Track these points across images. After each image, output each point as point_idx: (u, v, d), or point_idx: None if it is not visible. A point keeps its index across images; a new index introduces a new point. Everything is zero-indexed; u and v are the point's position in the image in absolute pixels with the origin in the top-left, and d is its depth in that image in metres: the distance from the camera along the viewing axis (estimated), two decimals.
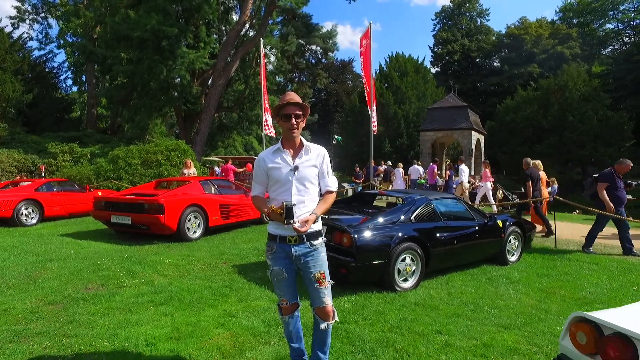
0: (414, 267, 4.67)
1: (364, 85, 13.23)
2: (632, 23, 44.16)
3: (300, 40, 23.73)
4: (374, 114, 12.75)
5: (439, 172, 14.22)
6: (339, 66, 44.41)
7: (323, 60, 25.90)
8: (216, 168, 15.54)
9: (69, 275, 4.86)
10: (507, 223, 5.88)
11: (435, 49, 53.88)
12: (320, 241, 2.52)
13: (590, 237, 6.89)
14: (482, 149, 28.82)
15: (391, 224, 4.74)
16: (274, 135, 15.45)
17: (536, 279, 5.09)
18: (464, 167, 13.35)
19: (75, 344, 3.08)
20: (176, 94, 26.15)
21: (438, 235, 4.97)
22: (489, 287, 4.72)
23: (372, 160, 13.92)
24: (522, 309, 4.03)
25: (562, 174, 30.91)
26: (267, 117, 14.88)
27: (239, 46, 25.85)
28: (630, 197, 7.95)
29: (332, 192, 2.60)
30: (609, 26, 46.58)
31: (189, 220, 6.87)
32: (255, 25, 26.45)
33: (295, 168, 2.45)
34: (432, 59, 54.41)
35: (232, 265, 5.46)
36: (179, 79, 25.78)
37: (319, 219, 2.51)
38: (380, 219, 4.74)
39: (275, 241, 2.47)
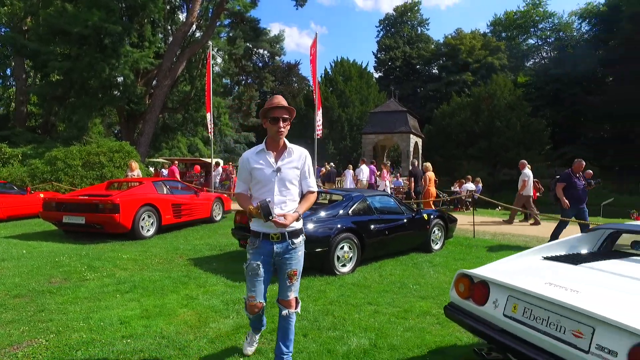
0: (351, 254, 5.42)
1: (313, 91, 13.88)
2: (548, 40, 48.88)
3: (248, 44, 24.04)
4: (318, 118, 13.41)
5: (378, 173, 15.26)
6: (285, 68, 44.99)
7: (270, 63, 26.31)
8: (163, 170, 15.52)
9: (29, 272, 5.09)
10: (432, 216, 6.83)
11: (379, 55, 56.14)
12: (300, 240, 2.63)
13: (554, 237, 6.94)
14: (420, 151, 30.66)
15: (332, 217, 5.47)
16: (211, 136, 15.17)
17: (453, 262, 6.04)
18: (364, 167, 14.50)
19: (52, 327, 3.46)
20: (118, 93, 25.42)
21: (372, 227, 5.76)
22: (414, 270, 5.58)
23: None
24: (439, 284, 4.89)
25: (491, 175, 33.67)
26: (210, 118, 14.75)
27: (186, 47, 25.66)
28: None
29: (313, 192, 2.70)
30: (531, 41, 51.17)
31: (143, 219, 7.19)
32: (203, 27, 26.39)
33: (278, 169, 2.55)
34: (375, 64, 56.62)
35: (188, 259, 5.92)
36: (122, 79, 25.10)
37: (301, 217, 2.60)
38: (322, 213, 5.45)
39: (259, 238, 2.56)
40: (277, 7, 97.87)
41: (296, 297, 2.69)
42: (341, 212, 5.65)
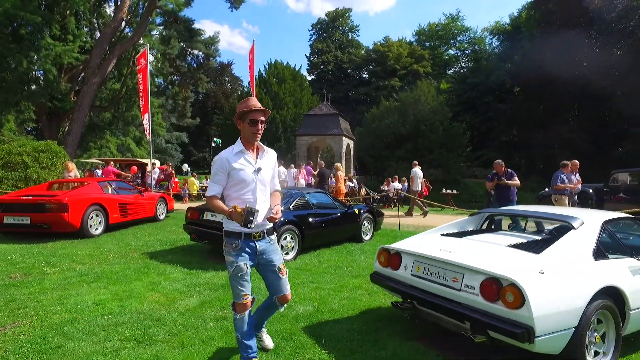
0: (293, 244, 6.22)
1: (252, 95, 14.45)
2: (466, 52, 53.44)
3: (182, 44, 23.87)
4: None
5: (314, 173, 16.22)
6: (217, 68, 44.64)
7: (204, 64, 26.30)
8: (97, 170, 15.14)
9: None
10: (362, 211, 7.83)
11: (312, 58, 57.48)
12: (274, 236, 2.78)
13: None
14: (352, 152, 32.28)
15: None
16: (150, 137, 14.94)
17: None
18: (282, 169, 15.69)
19: (30, 312, 3.85)
20: (36, 87, 23.91)
21: (310, 220, 6.60)
22: (347, 256, 6.50)
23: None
24: (368, 266, 5.84)
25: None
26: (147, 119, 14.54)
27: (115, 44, 24.77)
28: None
29: (279, 191, 2.87)
30: (451, 52, 55.50)
31: (91, 218, 7.40)
32: (134, 24, 25.63)
33: (259, 169, 2.62)
34: (308, 67, 57.86)
35: (141, 253, 6.35)
36: (43, 73, 23.68)
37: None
38: None
39: (240, 238, 2.57)
40: (209, 4, 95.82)
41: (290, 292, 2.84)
42: (283, 207, 6.43)
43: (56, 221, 6.88)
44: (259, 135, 2.61)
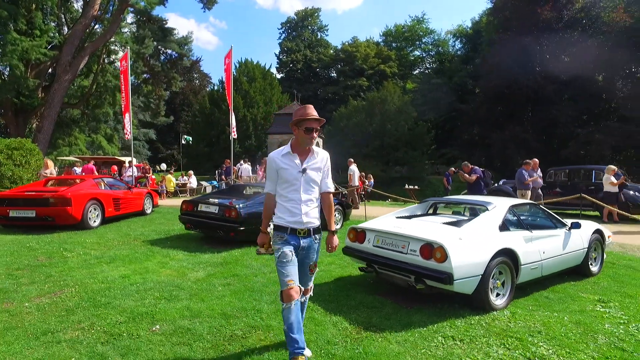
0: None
1: (227, 97, 15.08)
2: (430, 53, 55.71)
3: (155, 43, 24.24)
4: (233, 122, 14.63)
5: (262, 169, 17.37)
6: (187, 65, 44.70)
7: (179, 64, 26.73)
8: (75, 168, 15.56)
9: (11, 254, 6.02)
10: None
11: (281, 57, 58.29)
12: (320, 235, 2.95)
13: None
14: None
15: (261, 203, 7.22)
16: (129, 137, 15.24)
17: None
18: (246, 166, 16.88)
19: (70, 282, 4.74)
20: (0, 83, 23.64)
21: None
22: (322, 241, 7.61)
23: (228, 160, 16.20)
24: (338, 249, 6.97)
25: (383, 172, 37.89)
26: (127, 119, 14.94)
27: (86, 41, 24.80)
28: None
29: (330, 192, 2.99)
30: (417, 53, 57.65)
31: (90, 211, 8.18)
32: (105, 22, 25.72)
33: (304, 170, 2.77)
34: (277, 66, 58.66)
35: (142, 241, 7.24)
36: (9, 68, 23.48)
37: (319, 214, 2.93)
38: (254, 200, 7.22)
39: (286, 232, 2.80)
40: None
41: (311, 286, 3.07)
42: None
43: (60, 214, 7.64)
44: (313, 142, 2.82)
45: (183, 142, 37.80)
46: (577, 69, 31.16)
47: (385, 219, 4.96)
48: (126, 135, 14.54)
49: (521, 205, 4.89)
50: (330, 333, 3.43)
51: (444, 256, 3.68)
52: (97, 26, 26.78)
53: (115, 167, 17.79)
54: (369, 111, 39.69)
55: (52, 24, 27.49)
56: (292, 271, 2.74)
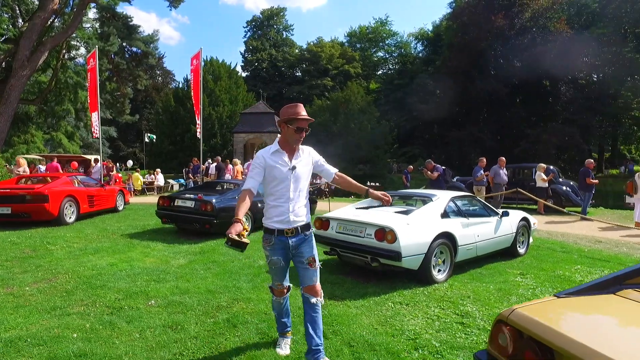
0: (248, 223, 7.90)
1: (192, 98, 15.34)
2: (393, 55, 57.38)
3: (119, 40, 23.98)
4: (199, 121, 14.87)
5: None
6: (152, 63, 43.95)
7: (144, 62, 26.51)
8: (40, 166, 15.40)
9: None
10: None
11: (246, 55, 58.23)
12: (310, 232, 2.89)
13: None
14: None
15: (233, 198, 7.86)
16: (97, 135, 15.18)
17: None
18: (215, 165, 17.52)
19: (61, 270, 5.18)
20: None
21: (259, 205, 8.26)
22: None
23: (196, 159, 16.57)
24: None
25: (347, 170, 38.94)
26: (94, 117, 14.91)
27: (45, 36, 24.11)
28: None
29: (337, 172, 3.05)
30: (380, 54, 59.18)
31: (66, 207, 8.47)
32: (65, 16, 25.09)
33: (293, 168, 2.77)
34: (242, 64, 58.54)
35: (120, 235, 7.65)
36: None
37: (308, 211, 2.90)
38: (227, 195, 7.82)
39: (274, 234, 2.76)
40: None
41: (320, 287, 2.87)
42: (239, 195, 8.08)
43: (37, 210, 7.91)
44: (301, 140, 2.83)
45: (146, 140, 37.27)
46: (527, 73, 33.39)
47: (347, 209, 5.72)
48: (94, 134, 14.60)
49: (461, 197, 5.78)
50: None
51: (394, 238, 4.47)
52: (56, 21, 26.07)
53: (76, 164, 17.66)
54: (334, 111, 40.60)
55: (5, 15, 26.50)
56: (281, 276, 2.89)
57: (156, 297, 4.20)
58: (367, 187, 3.00)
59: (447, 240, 4.93)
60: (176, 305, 3.97)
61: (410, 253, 4.53)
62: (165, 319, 3.64)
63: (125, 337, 3.25)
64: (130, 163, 29.24)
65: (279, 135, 2.94)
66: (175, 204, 7.72)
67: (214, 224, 7.23)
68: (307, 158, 2.92)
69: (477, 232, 5.41)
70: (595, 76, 34.77)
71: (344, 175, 3.09)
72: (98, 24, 27.20)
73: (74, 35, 25.61)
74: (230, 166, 16.75)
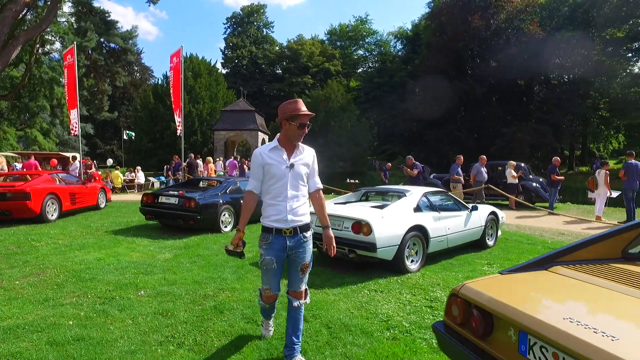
0: (230, 219, 8.13)
1: (171, 95, 15.23)
2: (373, 53, 57.99)
3: (96, 35, 23.63)
4: (179, 119, 14.78)
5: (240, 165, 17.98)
6: (131, 60, 43.30)
7: (123, 58, 26.15)
8: (16, 164, 15.17)
9: None
10: None
11: (226, 52, 57.90)
12: (309, 234, 2.84)
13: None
14: None
15: (216, 194, 8.08)
16: (76, 132, 15.05)
17: None
18: (196, 161, 17.79)
19: (49, 265, 5.32)
20: None
21: (242, 201, 8.53)
22: None
23: (177, 156, 16.62)
24: None
25: (328, 167, 39.29)
26: (73, 114, 14.76)
27: (17, 29, 23.55)
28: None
29: (320, 189, 2.97)
30: (360, 52, 59.72)
31: (49, 205, 8.52)
32: (38, 9, 24.55)
33: (291, 165, 2.70)
34: (222, 61, 58.19)
35: (104, 231, 7.77)
36: None
37: (308, 210, 2.87)
38: (210, 192, 8.03)
39: (271, 233, 2.70)
40: None
41: (306, 289, 2.88)
42: (221, 192, 8.30)
43: (19, 208, 7.95)
44: (303, 137, 2.78)
45: (125, 137, 36.75)
46: (502, 73, 34.34)
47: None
48: (73, 132, 14.50)
49: (433, 192, 6.16)
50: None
51: (369, 230, 4.80)
52: (29, 14, 25.50)
53: (56, 161, 17.48)
54: (314, 109, 40.76)
55: None
56: (272, 279, 2.79)
57: (145, 288, 4.42)
58: (328, 225, 2.97)
59: (419, 232, 5.30)
60: (165, 295, 4.20)
61: (384, 244, 4.87)
62: (155, 307, 3.87)
63: (119, 324, 3.48)
64: (110, 161, 28.83)
65: (278, 134, 2.88)
66: (159, 200, 7.88)
67: (198, 220, 7.44)
68: (307, 158, 2.85)
69: (447, 225, 5.80)
70: (566, 77, 36.00)
71: (322, 197, 3.02)
72: (74, 19, 26.71)
73: (48, 29, 25.14)
74: (205, 163, 16.87)
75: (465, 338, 2.05)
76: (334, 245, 2.93)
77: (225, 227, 8.02)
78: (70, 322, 3.47)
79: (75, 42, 16.07)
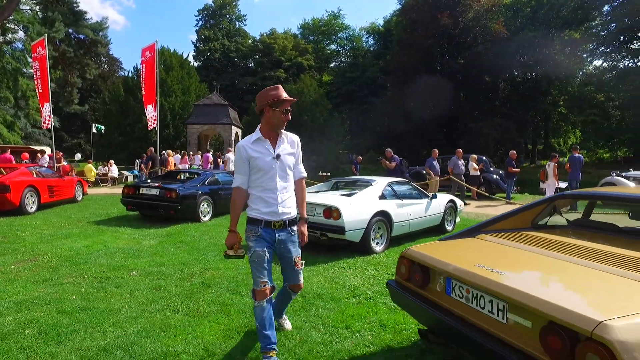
0: (209, 209, 8.57)
1: (143, 89, 15.19)
2: (345, 48, 58.67)
3: (68, 28, 23.17)
4: (151, 113, 14.84)
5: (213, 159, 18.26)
6: (101, 52, 42.32)
7: (93, 50, 25.64)
8: None
9: None
10: None
11: (198, 45, 57.22)
12: (297, 226, 2.77)
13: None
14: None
15: (195, 186, 8.50)
16: (49, 126, 14.94)
17: None
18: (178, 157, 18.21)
19: (40, 252, 5.65)
20: None
21: (220, 192, 8.98)
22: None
23: (151, 149, 16.75)
24: None
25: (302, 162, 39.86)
26: (45, 108, 14.63)
27: None
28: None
29: (304, 177, 2.88)
30: (333, 47, 60.25)
31: (27, 197, 8.69)
32: None
33: (277, 156, 2.61)
34: (194, 54, 57.48)
35: (87, 222, 8.06)
36: None
37: (295, 203, 2.79)
38: (190, 184, 8.43)
39: (260, 225, 2.62)
40: None
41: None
42: (200, 183, 8.71)
43: None
44: (285, 124, 2.68)
45: (94, 130, 35.98)
46: (469, 70, 35.70)
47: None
48: (45, 125, 14.44)
49: (397, 182, 6.82)
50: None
51: (339, 215, 5.39)
52: None
53: (27, 155, 17.27)
54: None
55: None
56: (266, 273, 2.64)
57: (136, 269, 4.86)
58: (306, 218, 2.88)
59: (383, 217, 5.93)
60: (155, 275, 4.66)
61: (352, 228, 5.47)
62: (148, 284, 4.34)
63: (118, 297, 3.94)
64: (78, 156, 28.26)
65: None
66: (140, 192, 8.22)
67: (178, 210, 7.84)
68: (292, 146, 2.77)
69: (409, 212, 6.47)
70: (529, 75, 37.73)
71: (304, 187, 2.92)
72: (40, 7, 26.07)
73: (11, 17, 24.49)
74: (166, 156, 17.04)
75: (410, 289, 2.66)
76: (305, 240, 2.85)
77: (205, 216, 8.45)
78: (74, 297, 3.90)
79: (46, 34, 15.84)
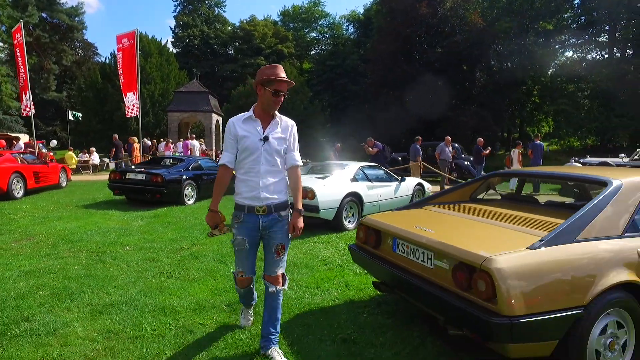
0: (193, 193, 9.03)
1: (121, 76, 15.24)
2: (325, 36, 58.81)
3: (42, 14, 22.78)
4: (132, 101, 14.94)
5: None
6: (78, 38, 41.41)
7: (69, 36, 25.19)
8: None
9: None
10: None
11: (177, 31, 56.42)
12: (287, 212, 2.59)
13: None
14: (221, 128, 34.53)
15: (180, 171, 8.94)
16: (29, 114, 14.98)
17: None
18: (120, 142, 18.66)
19: (35, 233, 6.04)
20: None
21: (203, 177, 9.43)
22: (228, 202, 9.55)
23: (134, 138, 16.93)
24: None
25: None
26: (26, 96, 14.60)
27: None
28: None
29: (298, 166, 2.67)
30: (313, 34, 60.28)
31: (14, 183, 8.97)
32: None
33: (265, 138, 2.49)
34: (173, 40, 56.69)
35: (75, 206, 8.43)
36: None
37: (285, 188, 2.63)
38: (175, 169, 8.87)
39: (244, 211, 2.52)
40: None
41: (283, 273, 2.65)
42: (183, 168, 9.15)
43: None
44: (278, 107, 2.58)
45: (71, 118, 35.48)
46: (447, 59, 36.51)
47: None
48: (25, 112, 14.50)
49: (368, 166, 7.43)
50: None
51: (314, 195, 5.96)
52: None
53: (4, 142, 17.21)
54: None
55: None
56: (246, 262, 2.63)
57: (129, 245, 5.34)
58: (300, 209, 2.63)
59: (355, 198, 6.54)
60: (147, 249, 5.16)
61: (326, 207, 6.06)
62: (142, 256, 4.84)
63: (116, 267, 4.43)
64: (54, 143, 27.99)
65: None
66: (127, 177, 8.62)
67: (164, 194, 8.29)
68: (285, 131, 2.62)
69: (379, 193, 7.09)
70: (505, 65, 38.79)
71: (299, 175, 2.70)
72: None
73: (21, 22, 23.97)
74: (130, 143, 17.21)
75: (366, 249, 3.26)
76: (297, 233, 2.62)
77: (189, 200, 8.92)
78: (76, 267, 4.39)
79: (21, 20, 15.72)
